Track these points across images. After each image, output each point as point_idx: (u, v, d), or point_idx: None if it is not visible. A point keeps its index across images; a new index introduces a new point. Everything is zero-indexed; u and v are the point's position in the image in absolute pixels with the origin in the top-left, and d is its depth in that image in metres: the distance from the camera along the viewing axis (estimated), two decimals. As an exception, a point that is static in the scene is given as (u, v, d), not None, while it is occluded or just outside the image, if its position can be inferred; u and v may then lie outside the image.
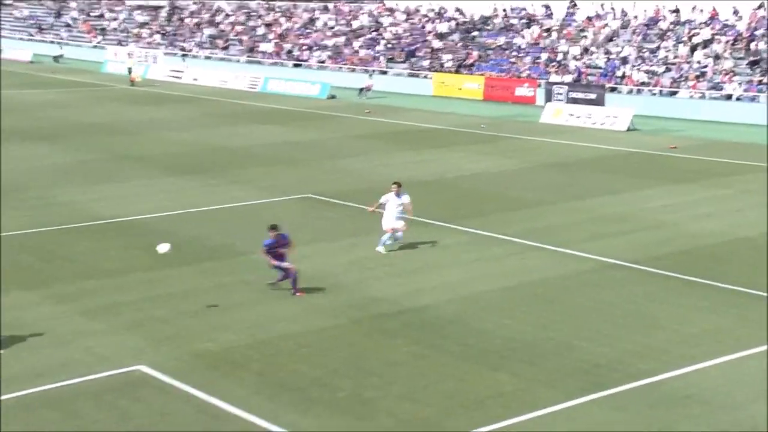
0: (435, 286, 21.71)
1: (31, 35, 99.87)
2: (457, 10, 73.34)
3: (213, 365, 17.02)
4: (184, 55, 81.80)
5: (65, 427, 14.26)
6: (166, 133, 46.67)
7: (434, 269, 23.09)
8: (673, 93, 55.04)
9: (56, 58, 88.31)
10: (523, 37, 67.25)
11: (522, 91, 59.85)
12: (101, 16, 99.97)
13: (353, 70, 70.16)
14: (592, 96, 54.08)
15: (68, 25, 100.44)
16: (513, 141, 44.69)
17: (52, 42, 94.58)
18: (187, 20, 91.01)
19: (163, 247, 20.24)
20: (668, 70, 56.77)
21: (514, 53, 65.09)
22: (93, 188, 32.73)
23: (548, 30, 66.48)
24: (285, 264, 20.80)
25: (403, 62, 69.77)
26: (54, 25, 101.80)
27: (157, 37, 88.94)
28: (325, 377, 16.53)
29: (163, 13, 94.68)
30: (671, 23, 61.20)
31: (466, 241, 25.78)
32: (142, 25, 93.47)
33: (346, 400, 15.60)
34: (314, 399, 15.60)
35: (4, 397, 15.42)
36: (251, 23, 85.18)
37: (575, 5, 67.50)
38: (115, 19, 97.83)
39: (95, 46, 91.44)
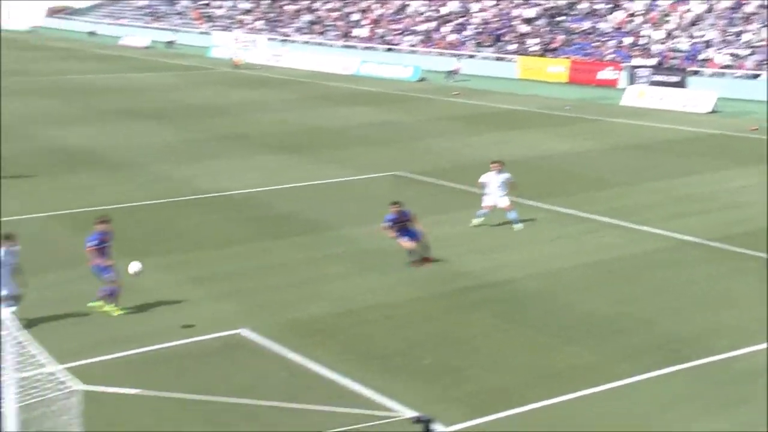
0: (517, 262, 21.65)
1: (148, 23, 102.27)
2: (544, -5, 72.62)
3: (306, 332, 17.29)
4: (283, 40, 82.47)
5: (175, 383, 14.66)
6: (266, 113, 47.21)
7: (516, 246, 23.01)
8: (756, 76, 53.62)
9: (168, 44, 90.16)
10: (607, 21, 66.20)
11: (605, 74, 58.92)
12: (209, 4, 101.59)
13: (442, 54, 69.95)
14: (675, 79, 53.06)
15: (180, 13, 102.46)
16: (596, 123, 44.14)
17: (166, 29, 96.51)
18: (287, 7, 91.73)
19: (134, 267, 17.85)
20: (753, 53, 55.30)
21: (599, 37, 64.15)
22: (198, 164, 33.34)
23: (632, 14, 65.32)
24: (407, 240, 20.89)
25: (490, 46, 69.31)
26: (167, 13, 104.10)
27: (259, 24, 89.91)
28: (410, 346, 16.66)
29: (266, 1, 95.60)
30: (757, 6, 59.51)
31: (548, 219, 25.62)
32: (246, 12, 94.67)
33: (430, 368, 15.70)
34: (400, 366, 15.75)
35: (124, 353, 15.96)
36: (347, 9, 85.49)
37: (659, -10, 66.27)
38: (221, 6, 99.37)
39: (203, 33, 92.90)
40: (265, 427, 13.38)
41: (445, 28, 73.89)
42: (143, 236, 23.57)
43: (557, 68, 62.08)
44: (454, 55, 67.26)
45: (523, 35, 68.32)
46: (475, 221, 24.24)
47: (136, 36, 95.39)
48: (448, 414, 13.62)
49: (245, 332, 17.13)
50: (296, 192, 29.11)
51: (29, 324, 16.05)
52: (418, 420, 9.27)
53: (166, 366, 15.77)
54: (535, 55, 65.06)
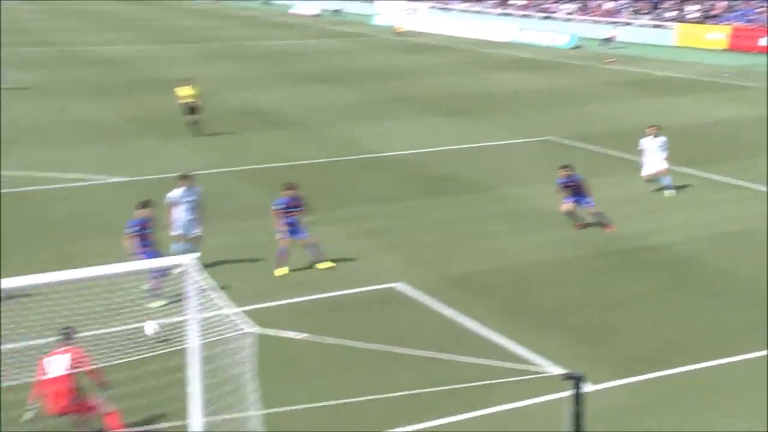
0: (673, 226, 20.91)
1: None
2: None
3: (462, 287, 17.23)
4: (443, 8, 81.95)
5: (340, 329, 14.93)
6: (427, 78, 47.11)
7: (675, 210, 22.24)
8: None
9: (335, 12, 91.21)
10: (770, -13, 62.89)
11: None
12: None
13: (598, 22, 68.06)
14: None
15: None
16: (756, 90, 42.04)
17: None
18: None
19: (150, 327, 14.04)
20: None
21: (762, 3, 60.94)
22: (368, 126, 33.60)
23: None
24: (570, 202, 20.57)
25: (648, 14, 66.96)
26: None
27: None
28: (564, 305, 16.39)
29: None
30: None
31: (703, 185, 24.65)
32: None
33: (583, 328, 15.42)
34: (553, 324, 15.51)
35: (292, 300, 16.31)
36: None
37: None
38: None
39: (366, 1, 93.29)
40: (419, 374, 13.45)
41: (603, -4, 71.86)
42: (318, 192, 23.88)
43: (716, 35, 59.46)
44: (610, 23, 65.31)
45: (683, 2, 65.66)
46: (667, 193, 23.36)
47: (306, 5, 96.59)
48: (597, 373, 13.33)
49: (401, 286, 17.22)
50: (457, 153, 28.99)
51: (209, 268, 16.60)
52: (568, 377, 9.09)
53: (330, 313, 16.02)
54: (693, 22, 62.47)
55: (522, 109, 37.46)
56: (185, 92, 31.44)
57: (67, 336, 11.79)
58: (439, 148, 29.60)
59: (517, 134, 31.94)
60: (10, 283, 10.59)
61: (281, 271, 17.88)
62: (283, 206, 17.83)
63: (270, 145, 30.14)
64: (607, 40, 61.04)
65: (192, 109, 31.22)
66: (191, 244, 17.45)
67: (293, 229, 17.88)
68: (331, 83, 44.85)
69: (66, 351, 11.57)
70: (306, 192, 18.68)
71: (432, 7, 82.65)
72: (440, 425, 12.22)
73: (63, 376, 11.38)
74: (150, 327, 13.45)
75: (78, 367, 11.48)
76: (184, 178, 18.08)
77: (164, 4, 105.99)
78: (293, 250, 18.00)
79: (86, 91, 41.09)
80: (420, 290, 16.97)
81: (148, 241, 16.18)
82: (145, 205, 16.52)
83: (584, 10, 71.05)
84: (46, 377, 11.40)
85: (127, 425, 11.67)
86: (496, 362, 13.47)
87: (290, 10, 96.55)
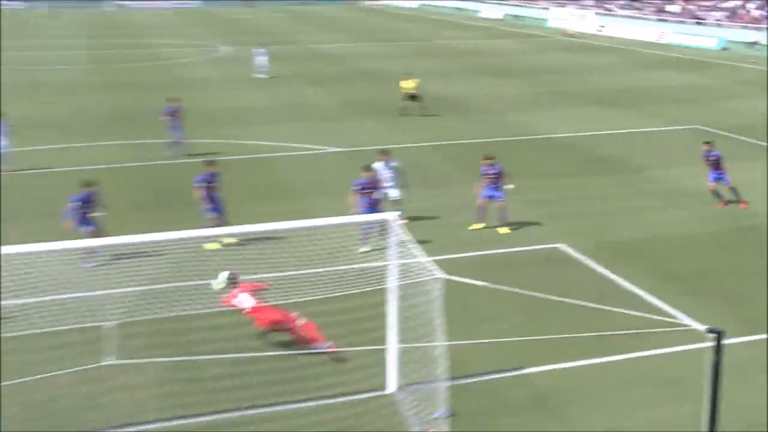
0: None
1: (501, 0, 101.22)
2: None
3: (617, 252, 16.58)
4: (607, 14, 78.57)
5: (511, 279, 14.70)
6: (591, 74, 45.37)
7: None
8: None
9: (516, 16, 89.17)
10: None
11: None
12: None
13: (745, 28, 63.32)
14: None
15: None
16: None
17: (502, 4, 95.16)
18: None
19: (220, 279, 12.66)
20: None
21: None
22: (537, 113, 32.75)
23: None
24: (712, 180, 19.48)
25: (791, 21, 61.75)
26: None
27: (587, 0, 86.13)
28: (706, 271, 15.53)
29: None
30: None
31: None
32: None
33: (723, 291, 14.55)
34: (697, 287, 14.72)
35: (469, 254, 16.18)
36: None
37: None
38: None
39: (542, 8, 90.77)
40: (573, 323, 13.05)
41: (751, 5, 66.64)
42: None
43: None
44: (757, 28, 60.63)
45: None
46: None
47: (491, 10, 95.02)
48: (732, 329, 12.52)
49: (563, 247, 16.75)
50: (613, 138, 27.84)
51: (408, 224, 16.71)
52: (710, 330, 8.53)
53: (501, 267, 15.77)
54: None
55: (672, 102, 35.46)
56: (408, 84, 31.80)
57: (233, 280, 12.35)
58: (598, 133, 28.50)
59: (666, 123, 30.32)
60: (256, 228, 11.01)
61: (477, 225, 17.78)
62: (491, 174, 17.67)
63: (458, 126, 29.91)
64: (752, 44, 56.76)
65: (413, 97, 31.55)
66: (393, 204, 17.60)
67: (492, 191, 17.66)
68: (509, 77, 43.98)
69: (243, 290, 12.21)
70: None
71: (598, 13, 79.42)
72: (593, 364, 11.86)
73: (256, 306, 11.92)
74: (218, 282, 12.48)
75: (259, 297, 12.16)
76: (383, 152, 18.22)
77: (376, 10, 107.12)
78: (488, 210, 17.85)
79: (314, 81, 42.14)
80: (579, 251, 16.45)
81: (368, 198, 16.42)
82: (367, 169, 16.79)
83: (733, 17, 66.27)
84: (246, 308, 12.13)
85: (338, 345, 11.93)
86: (644, 314, 12.89)
87: (478, 14, 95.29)
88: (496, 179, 17.66)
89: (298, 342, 12.07)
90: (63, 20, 79.62)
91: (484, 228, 17.75)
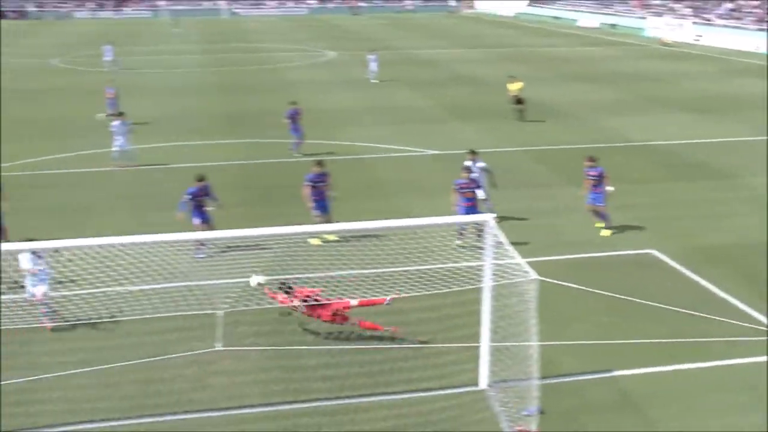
0: None
1: (598, 9, 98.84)
2: None
3: (707, 257, 16.02)
4: (705, 24, 75.51)
5: (603, 283, 14.34)
6: (686, 81, 43.72)
7: None
8: None
9: (612, 26, 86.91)
10: None
11: None
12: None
13: None
14: None
15: (624, 1, 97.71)
16: None
17: (611, 14, 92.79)
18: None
19: (255, 280, 12.74)
20: None
21: None
22: (629, 118, 31.79)
23: None
24: None
25: None
26: (614, 1, 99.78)
27: (687, 9, 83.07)
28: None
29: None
30: None
31: None
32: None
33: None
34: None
35: (562, 257, 15.82)
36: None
37: None
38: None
39: (639, 17, 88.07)
40: (668, 328, 12.58)
41: None
42: (573, 169, 23.21)
43: None
44: None
45: None
46: None
47: (589, 19, 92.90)
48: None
49: (655, 252, 16.19)
50: (704, 146, 26.77)
51: (501, 225, 16.51)
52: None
53: (591, 270, 15.41)
54: None
55: (763, 111, 33.75)
56: (514, 87, 31.51)
57: (288, 288, 12.37)
58: (689, 141, 27.43)
59: (757, 132, 28.89)
60: (356, 225, 11.06)
61: (599, 225, 17.59)
62: (592, 176, 17.34)
63: (552, 131, 29.33)
64: None
65: (518, 100, 31.27)
66: (480, 203, 17.36)
67: (593, 193, 17.34)
68: (601, 83, 42.85)
69: (297, 296, 12.22)
70: (576, 171, 17.97)
71: (696, 23, 76.46)
72: (679, 370, 11.44)
73: (312, 306, 12.11)
74: (255, 279, 12.59)
75: (313, 300, 12.16)
76: (472, 153, 18.05)
77: (473, 18, 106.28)
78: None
79: (411, 85, 42.14)
80: (670, 257, 15.88)
81: (466, 198, 16.29)
82: (467, 170, 16.67)
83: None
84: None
85: (432, 341, 11.87)
86: (733, 321, 12.34)
87: (576, 23, 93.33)
88: (598, 181, 17.25)
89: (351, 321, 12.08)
90: (183, 28, 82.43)
91: (603, 228, 17.40)
